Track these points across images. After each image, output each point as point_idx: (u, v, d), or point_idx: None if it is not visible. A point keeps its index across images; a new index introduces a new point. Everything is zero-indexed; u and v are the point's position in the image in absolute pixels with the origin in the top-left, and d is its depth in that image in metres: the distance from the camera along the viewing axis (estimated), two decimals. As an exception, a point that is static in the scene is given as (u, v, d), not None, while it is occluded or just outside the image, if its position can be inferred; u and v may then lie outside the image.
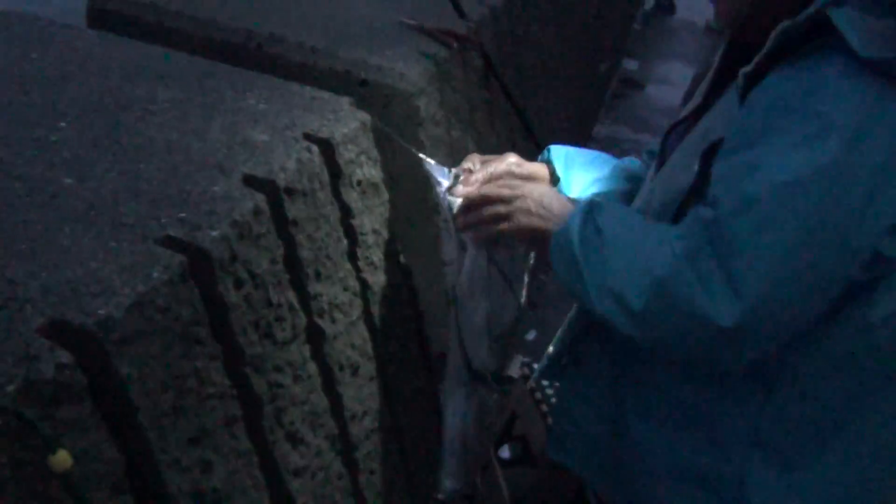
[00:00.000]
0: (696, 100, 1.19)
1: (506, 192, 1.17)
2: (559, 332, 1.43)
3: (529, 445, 2.24)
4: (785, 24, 0.89)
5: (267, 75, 1.42)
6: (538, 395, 1.98)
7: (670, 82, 6.28)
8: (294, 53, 1.63)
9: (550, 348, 1.41)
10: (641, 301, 0.96)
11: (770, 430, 1.06)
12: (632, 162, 1.44)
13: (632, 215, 1.09)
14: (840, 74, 0.85)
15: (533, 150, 2.21)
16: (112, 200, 0.98)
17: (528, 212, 1.14)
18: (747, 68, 0.94)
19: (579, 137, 3.66)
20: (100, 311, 0.79)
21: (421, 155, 1.28)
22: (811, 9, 0.87)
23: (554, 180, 1.35)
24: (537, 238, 1.15)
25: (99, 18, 1.74)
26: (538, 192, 1.16)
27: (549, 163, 1.37)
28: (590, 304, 1.03)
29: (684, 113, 1.20)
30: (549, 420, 1.90)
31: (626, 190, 1.36)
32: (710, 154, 0.98)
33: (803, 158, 0.86)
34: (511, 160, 1.31)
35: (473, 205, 1.20)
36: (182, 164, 1.08)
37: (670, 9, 8.33)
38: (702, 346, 0.96)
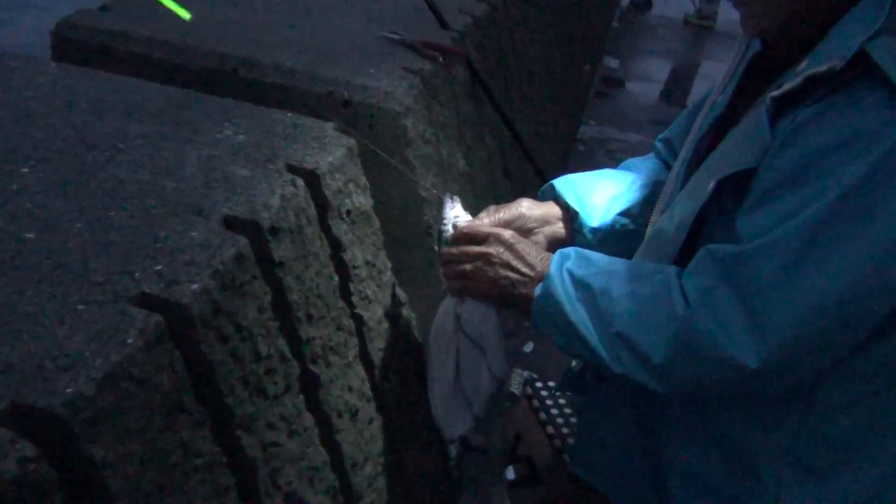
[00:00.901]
0: (719, 107, 1.13)
1: (473, 250, 1.15)
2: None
3: (535, 466, 2.17)
4: (819, 70, 0.83)
5: (245, 102, 1.33)
6: (542, 415, 1.90)
7: (651, 78, 6.25)
8: (272, 76, 1.54)
9: (574, 363, 1.37)
10: (660, 354, 0.91)
11: (805, 448, 1.03)
12: (635, 166, 1.38)
13: (606, 258, 1.08)
14: (883, 106, 0.80)
15: (522, 159, 2.13)
16: (80, 255, 0.88)
17: (493, 274, 1.12)
18: (776, 93, 0.87)
19: (566, 141, 3.58)
20: (68, 390, 0.70)
21: (428, 185, 1.26)
22: (848, 51, 0.80)
23: (570, 215, 1.28)
24: (510, 303, 1.14)
25: (64, 49, 1.64)
26: (514, 251, 1.12)
27: (558, 198, 1.30)
28: (604, 367, 0.99)
29: (707, 119, 1.13)
30: (557, 441, 1.84)
31: (650, 196, 1.30)
32: (730, 180, 0.92)
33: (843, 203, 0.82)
34: (523, 205, 1.27)
35: (448, 260, 1.19)
36: (156, 209, 0.99)
37: (647, 5, 8.30)
38: (731, 385, 0.93)
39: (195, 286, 0.87)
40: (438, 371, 1.26)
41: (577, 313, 1.01)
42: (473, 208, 1.85)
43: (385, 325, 1.33)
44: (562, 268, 1.05)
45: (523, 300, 1.10)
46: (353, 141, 1.26)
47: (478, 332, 1.17)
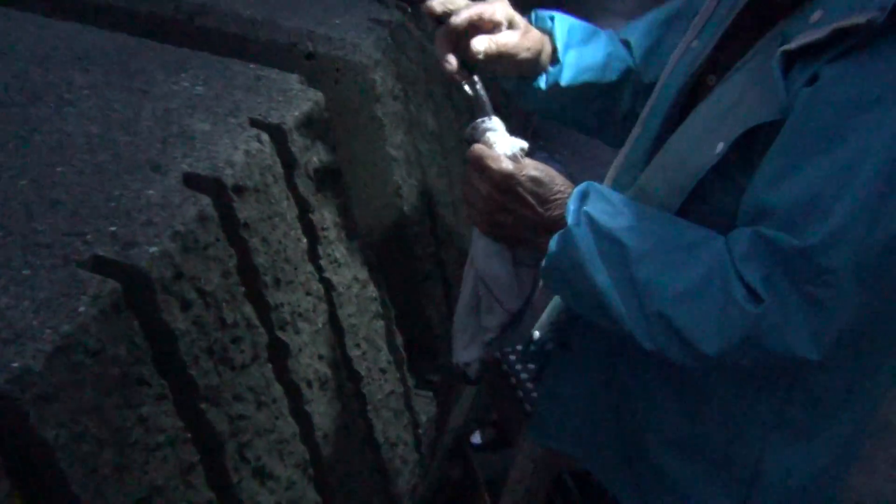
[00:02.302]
0: (697, 49, 1.06)
1: (483, 188, 0.98)
2: (544, 316, 1.32)
3: (504, 430, 2.15)
4: (856, 21, 0.77)
5: (203, 53, 1.23)
6: (512, 380, 1.87)
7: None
8: (231, 25, 1.44)
9: (536, 333, 1.31)
10: (714, 346, 0.84)
11: (793, 409, 1.01)
12: (618, 46, 1.27)
13: (629, 202, 0.95)
14: None
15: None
16: (24, 215, 0.80)
17: (501, 219, 0.99)
18: (792, 46, 0.81)
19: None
20: (13, 364, 0.63)
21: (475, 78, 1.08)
22: (888, 1, 0.75)
23: (554, 58, 1.19)
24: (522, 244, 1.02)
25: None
26: (523, 194, 0.96)
27: (550, 34, 1.19)
28: (627, 337, 0.90)
29: (684, 67, 1.06)
30: (527, 405, 1.81)
31: (615, 84, 1.23)
32: (744, 138, 0.85)
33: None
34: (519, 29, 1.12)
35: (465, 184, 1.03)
36: (108, 165, 0.91)
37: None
38: (781, 367, 0.92)
39: (154, 249, 0.79)
40: (462, 297, 1.19)
41: (602, 275, 0.89)
42: (441, 166, 1.78)
43: (355, 289, 1.27)
44: (580, 213, 0.91)
45: (538, 247, 0.98)
46: (320, 94, 1.18)
47: (484, 267, 1.09)
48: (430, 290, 1.70)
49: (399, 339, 1.46)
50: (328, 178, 1.20)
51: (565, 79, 1.18)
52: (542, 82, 1.19)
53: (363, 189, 1.52)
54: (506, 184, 0.95)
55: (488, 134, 1.01)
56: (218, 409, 0.88)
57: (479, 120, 1.02)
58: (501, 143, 0.99)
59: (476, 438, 2.29)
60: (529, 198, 0.95)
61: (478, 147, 0.99)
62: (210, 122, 1.03)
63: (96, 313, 0.70)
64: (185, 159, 0.94)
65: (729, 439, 1.05)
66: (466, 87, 1.08)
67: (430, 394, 1.71)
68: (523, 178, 0.95)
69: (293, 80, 1.19)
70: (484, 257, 1.08)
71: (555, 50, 1.18)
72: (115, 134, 0.97)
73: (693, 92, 1.06)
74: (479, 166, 0.97)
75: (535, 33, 1.16)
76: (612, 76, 1.22)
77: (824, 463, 1.08)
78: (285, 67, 1.38)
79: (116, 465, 0.72)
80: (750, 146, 0.87)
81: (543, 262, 0.95)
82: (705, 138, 0.91)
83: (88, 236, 0.79)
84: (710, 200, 0.94)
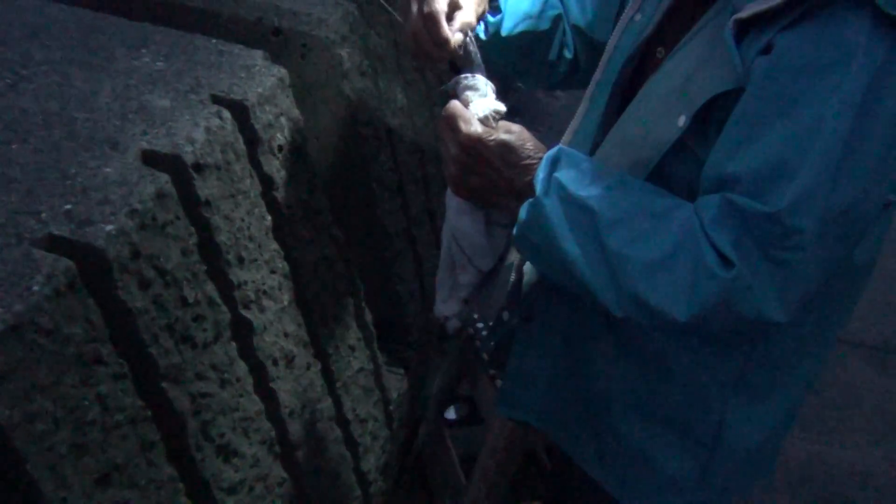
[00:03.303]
0: (642, 22, 1.06)
1: (452, 152, 0.97)
2: (497, 290, 1.33)
3: (476, 405, 2.16)
4: None
5: (164, 28, 1.22)
6: (484, 355, 1.88)
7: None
8: (195, 0, 1.42)
9: (505, 315, 1.31)
10: (686, 312, 0.85)
11: (752, 371, 1.04)
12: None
13: (599, 166, 0.94)
14: (868, 25, 0.76)
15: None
16: (-24, 194, 0.79)
17: (473, 183, 0.97)
18: (741, 15, 0.82)
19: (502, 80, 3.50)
20: (-37, 344, 0.63)
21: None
22: None
23: (494, 5, 1.16)
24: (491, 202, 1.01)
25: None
26: (491, 158, 0.94)
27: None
28: (598, 304, 0.91)
29: (630, 40, 1.06)
30: (499, 381, 1.83)
31: (548, 31, 1.21)
32: (703, 110, 0.86)
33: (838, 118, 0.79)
34: None
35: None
36: (64, 141, 0.90)
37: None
38: (747, 334, 0.95)
39: (110, 227, 0.79)
40: (442, 252, 1.17)
41: (572, 244, 0.88)
42: (411, 142, 1.78)
43: (323, 267, 1.27)
44: (549, 180, 0.90)
45: (507, 211, 0.98)
46: (284, 71, 1.17)
47: (456, 224, 1.07)
48: (402, 268, 1.70)
49: (369, 317, 1.46)
50: (294, 155, 1.19)
51: (506, 28, 1.15)
52: (482, 32, 1.16)
53: (331, 166, 1.51)
54: (473, 147, 0.94)
55: (467, 92, 0.99)
56: (179, 388, 0.88)
57: (463, 76, 1.00)
58: (477, 104, 0.97)
59: (450, 414, 2.30)
60: (498, 162, 0.94)
61: (452, 105, 0.97)
62: (170, 99, 1.02)
63: (50, 292, 0.70)
64: (144, 136, 0.93)
65: (690, 403, 1.08)
66: (459, 40, 1.04)
67: (402, 370, 1.72)
68: (491, 143, 0.94)
69: (257, 55, 1.18)
70: (456, 214, 1.08)
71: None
72: (72, 111, 0.96)
73: (641, 65, 1.06)
74: (450, 125, 0.96)
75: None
76: (545, 24, 1.20)
77: (778, 421, 1.12)
78: (251, 43, 1.36)
79: (74, 443, 0.72)
80: (706, 117, 0.88)
81: (514, 230, 0.94)
82: (664, 112, 0.92)
83: (43, 214, 0.78)
84: (667, 173, 0.94)
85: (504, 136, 0.94)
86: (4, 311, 0.66)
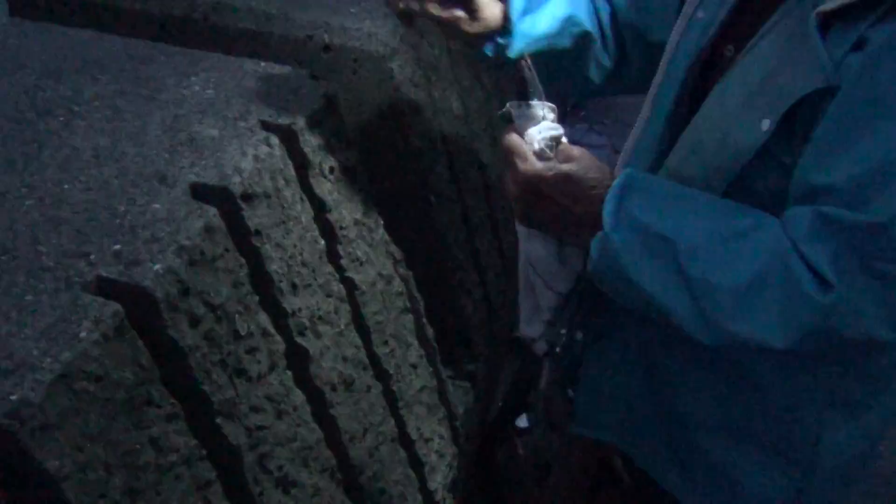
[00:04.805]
0: (705, 19, 1.00)
1: (518, 180, 0.92)
2: (566, 312, 1.28)
3: (549, 412, 2.12)
4: None
5: (215, 53, 1.22)
6: (555, 372, 1.85)
7: None
8: (246, 22, 1.42)
9: (562, 331, 1.27)
10: (782, 340, 0.81)
11: (847, 387, 0.99)
12: (579, 7, 1.14)
13: (672, 187, 0.89)
14: None
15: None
16: (29, 238, 0.80)
17: (540, 217, 0.93)
18: (826, 7, 0.76)
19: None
20: (11, 397, 0.63)
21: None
22: None
23: (505, 26, 1.08)
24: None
25: (22, 1, 1.52)
26: (543, 180, 0.89)
27: None
28: (693, 337, 0.86)
29: (693, 40, 1.01)
30: (570, 390, 1.79)
31: (569, 51, 1.13)
32: (792, 112, 0.80)
33: None
34: None
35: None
36: (114, 179, 0.90)
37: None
38: (850, 350, 0.91)
39: (158, 266, 0.79)
40: (520, 272, 1.17)
41: (650, 280, 0.83)
42: (469, 151, 1.75)
43: (380, 286, 1.25)
44: (619, 214, 0.84)
45: (578, 242, 0.94)
46: (333, 90, 1.16)
47: (528, 248, 1.06)
48: (464, 279, 1.68)
49: (430, 333, 1.44)
50: (346, 175, 1.18)
51: (514, 50, 1.08)
52: (489, 50, 1.10)
53: (386, 181, 1.49)
54: (533, 184, 0.90)
55: (522, 121, 0.95)
56: (234, 423, 0.87)
57: (517, 102, 0.96)
58: (532, 133, 0.93)
59: (522, 422, 2.27)
60: (561, 197, 0.89)
61: (508, 139, 0.94)
62: (219, 128, 1.02)
63: (98, 338, 0.70)
64: (193, 168, 0.93)
65: (784, 422, 1.03)
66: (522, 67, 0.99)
67: (468, 384, 1.69)
68: (551, 177, 0.89)
69: (304, 76, 1.17)
70: (527, 240, 1.06)
71: (507, 17, 1.07)
72: (123, 145, 0.96)
73: (709, 65, 1.00)
74: (508, 161, 0.93)
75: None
76: (565, 42, 1.12)
77: (874, 435, 1.06)
78: (303, 62, 1.36)
79: (128, 488, 0.72)
80: (791, 119, 0.82)
81: (589, 268, 0.90)
82: (744, 115, 0.86)
83: (92, 256, 0.78)
84: (747, 181, 0.88)
85: (565, 168, 0.89)
86: (52, 361, 0.66)
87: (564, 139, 0.93)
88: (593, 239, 0.87)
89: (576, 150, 0.91)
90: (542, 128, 0.93)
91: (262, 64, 1.20)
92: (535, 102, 0.95)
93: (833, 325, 0.80)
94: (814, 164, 0.81)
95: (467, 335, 1.72)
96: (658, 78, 1.05)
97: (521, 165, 0.90)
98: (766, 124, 0.83)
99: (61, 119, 1.01)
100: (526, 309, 1.20)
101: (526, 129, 0.93)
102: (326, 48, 1.41)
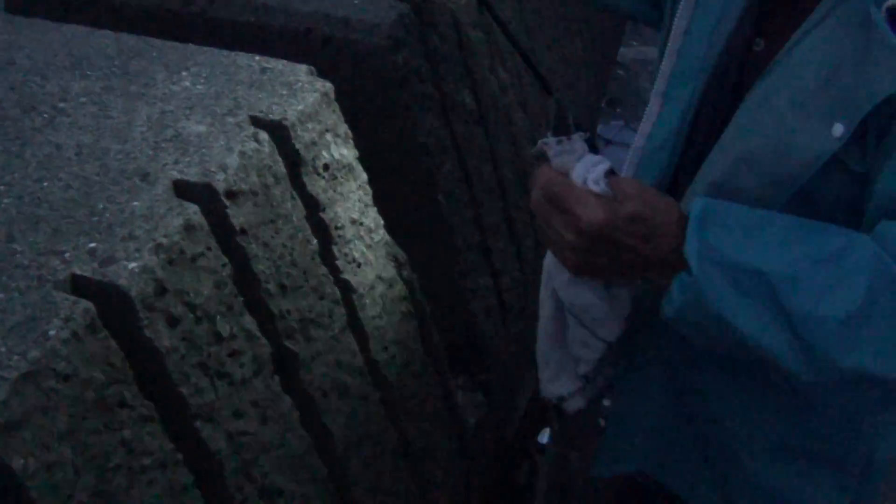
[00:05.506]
0: (718, 4, 0.99)
1: (546, 218, 0.89)
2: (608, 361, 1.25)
3: (570, 429, 2.13)
4: None
5: (209, 48, 1.26)
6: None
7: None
8: (243, 14, 1.47)
9: (608, 369, 1.23)
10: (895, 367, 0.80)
11: None
12: None
13: (751, 214, 0.85)
14: None
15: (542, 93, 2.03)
16: (4, 235, 0.84)
17: (595, 266, 0.89)
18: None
19: (602, 66, 3.45)
20: (-24, 395, 0.67)
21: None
22: None
23: None
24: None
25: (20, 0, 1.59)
26: (611, 226, 0.84)
27: None
28: (793, 375, 0.85)
29: (707, 25, 1.00)
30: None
31: None
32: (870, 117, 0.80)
33: None
34: None
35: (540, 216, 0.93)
36: (95, 176, 0.94)
37: None
38: None
39: (133, 265, 0.82)
40: (540, 323, 1.12)
41: (747, 319, 0.81)
42: (483, 148, 1.77)
43: (379, 289, 1.28)
44: (703, 251, 0.82)
45: (649, 284, 0.92)
46: (329, 85, 1.19)
47: (570, 297, 1.00)
48: (475, 284, 1.70)
49: (437, 339, 1.46)
50: (342, 173, 1.21)
51: None
52: None
53: (390, 181, 1.52)
54: (601, 233, 0.85)
55: (561, 158, 0.89)
56: (214, 427, 0.90)
57: (556, 137, 0.91)
58: (580, 172, 0.87)
59: (543, 438, 2.28)
60: (630, 241, 0.85)
61: (556, 183, 0.88)
62: (207, 123, 1.05)
63: (67, 336, 0.73)
64: (177, 165, 0.97)
65: (844, 437, 1.05)
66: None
67: (480, 395, 1.71)
68: (621, 223, 0.84)
69: (301, 70, 1.20)
70: (569, 285, 1.00)
71: None
72: (106, 142, 1.00)
73: (730, 57, 1.00)
74: (559, 207, 0.87)
75: None
76: None
77: None
78: (302, 55, 1.40)
79: (97, 490, 0.75)
80: (862, 124, 0.81)
81: (666, 312, 0.87)
82: (804, 120, 0.85)
83: (67, 254, 0.82)
84: (812, 192, 0.87)
85: (629, 209, 0.85)
86: (20, 358, 0.70)
87: (611, 171, 0.88)
88: (675, 281, 0.84)
89: (630, 184, 0.87)
90: (587, 164, 0.88)
91: (257, 58, 1.23)
92: (575, 135, 0.91)
93: None
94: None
95: (480, 343, 1.74)
96: (665, 68, 1.05)
97: (586, 214, 0.84)
98: (838, 130, 0.81)
99: (46, 116, 1.05)
100: (552, 365, 1.14)
101: (569, 167, 0.89)
102: (327, 41, 1.44)
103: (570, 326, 1.04)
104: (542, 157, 0.91)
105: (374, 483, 1.22)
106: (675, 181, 1.05)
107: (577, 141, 0.90)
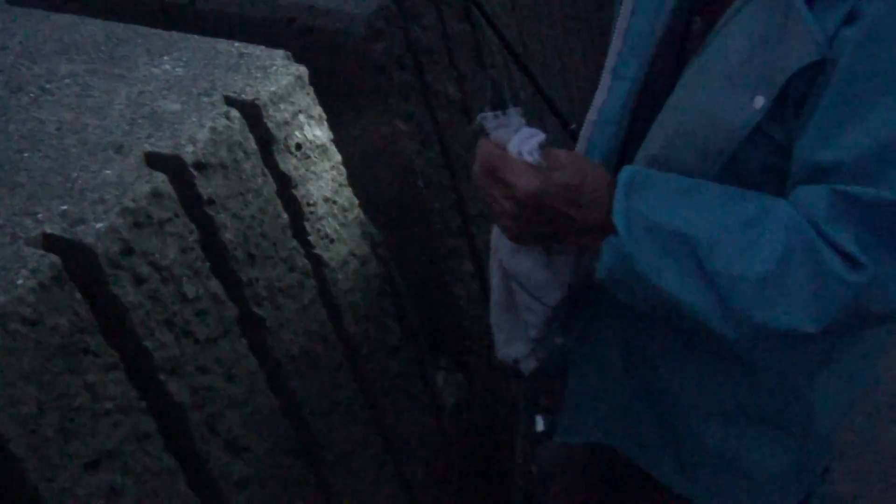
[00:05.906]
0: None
1: (486, 189, 0.94)
2: (554, 324, 1.32)
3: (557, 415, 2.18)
4: None
5: (191, 35, 1.34)
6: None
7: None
8: (229, 5, 1.55)
9: (558, 339, 1.30)
10: (814, 324, 0.86)
11: (844, 354, 1.07)
12: None
13: (677, 180, 0.91)
14: None
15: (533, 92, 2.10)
16: (-16, 199, 0.92)
17: (530, 231, 0.95)
18: None
19: (596, 59, 3.49)
20: (-54, 332, 0.74)
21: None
22: None
23: None
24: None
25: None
26: (545, 194, 0.89)
27: None
28: (717, 334, 0.90)
29: (650, 4, 1.06)
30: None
31: None
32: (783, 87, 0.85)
33: None
34: None
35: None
36: (73, 148, 1.02)
37: None
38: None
39: (100, 225, 0.90)
40: (493, 290, 1.19)
41: (672, 279, 0.86)
42: (466, 136, 1.82)
43: (353, 265, 1.35)
44: (629, 214, 0.87)
45: (581, 247, 0.98)
46: (303, 69, 1.27)
47: (513, 265, 1.06)
48: (456, 267, 1.76)
49: (414, 318, 1.52)
50: (315, 154, 1.28)
51: None
52: None
53: (369, 165, 1.59)
54: (534, 201, 0.90)
55: (499, 132, 0.94)
56: (179, 380, 0.98)
57: (492, 112, 0.96)
58: (515, 144, 0.91)
59: (539, 426, 2.32)
60: (564, 207, 0.91)
61: (492, 156, 0.93)
62: (182, 103, 1.13)
63: (34, 285, 0.81)
64: (149, 139, 1.04)
65: (779, 395, 1.10)
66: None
67: (462, 377, 1.77)
68: (553, 190, 0.90)
69: (277, 55, 1.28)
70: (511, 255, 1.06)
71: None
72: (85, 119, 1.08)
73: (670, 36, 1.06)
74: (496, 179, 0.92)
75: None
76: None
77: (854, 400, 1.16)
78: (284, 45, 1.47)
79: (60, 428, 0.82)
80: (782, 95, 0.87)
81: (600, 273, 0.93)
82: (731, 94, 0.90)
83: (40, 215, 0.90)
84: (740, 161, 0.93)
85: (561, 177, 0.90)
86: (-11, 303, 0.78)
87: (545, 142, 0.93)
88: (604, 244, 0.90)
89: (563, 154, 0.93)
90: (522, 136, 0.92)
91: (236, 44, 1.31)
92: (511, 109, 0.95)
93: (862, 304, 0.84)
94: (818, 142, 0.85)
95: (461, 325, 1.80)
96: (615, 44, 1.11)
97: (520, 183, 0.89)
98: (759, 102, 0.87)
99: (32, 95, 1.13)
100: (503, 329, 1.21)
101: (506, 141, 0.93)
102: (308, 30, 1.52)
103: (516, 292, 1.11)
104: (483, 132, 0.97)
105: (348, 450, 1.28)
106: (624, 154, 1.11)
107: (514, 115, 0.95)
